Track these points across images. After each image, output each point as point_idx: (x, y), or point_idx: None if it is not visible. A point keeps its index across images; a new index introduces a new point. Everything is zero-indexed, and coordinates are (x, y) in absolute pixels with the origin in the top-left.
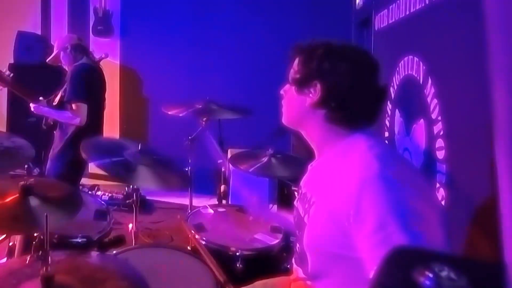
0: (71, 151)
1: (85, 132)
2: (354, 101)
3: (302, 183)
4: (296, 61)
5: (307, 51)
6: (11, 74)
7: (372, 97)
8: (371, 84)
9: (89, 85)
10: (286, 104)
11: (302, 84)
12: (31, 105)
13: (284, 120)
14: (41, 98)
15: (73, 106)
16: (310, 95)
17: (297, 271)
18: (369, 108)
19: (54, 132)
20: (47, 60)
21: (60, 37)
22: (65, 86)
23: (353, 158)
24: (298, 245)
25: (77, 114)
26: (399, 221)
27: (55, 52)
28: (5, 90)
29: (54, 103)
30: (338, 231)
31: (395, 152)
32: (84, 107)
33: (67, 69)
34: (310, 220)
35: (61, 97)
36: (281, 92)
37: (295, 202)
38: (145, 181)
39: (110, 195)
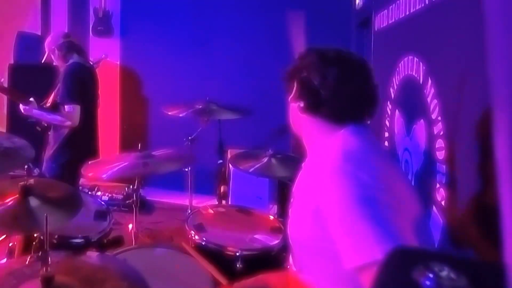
0: (66, 152)
1: (79, 132)
2: (322, 90)
3: (296, 181)
4: None
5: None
6: (2, 79)
7: (344, 89)
8: (349, 79)
9: (81, 85)
10: (289, 113)
11: (288, 86)
12: (21, 106)
13: (292, 128)
14: (31, 99)
15: (66, 107)
16: (291, 94)
17: (291, 263)
18: (345, 99)
19: (49, 133)
20: (42, 61)
21: (48, 37)
22: (57, 87)
23: (328, 154)
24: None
25: (70, 116)
26: (361, 209)
27: (46, 53)
28: None
29: (47, 104)
30: (311, 224)
31: (373, 148)
32: (77, 109)
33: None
34: (291, 213)
35: (54, 98)
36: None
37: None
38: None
39: (110, 195)
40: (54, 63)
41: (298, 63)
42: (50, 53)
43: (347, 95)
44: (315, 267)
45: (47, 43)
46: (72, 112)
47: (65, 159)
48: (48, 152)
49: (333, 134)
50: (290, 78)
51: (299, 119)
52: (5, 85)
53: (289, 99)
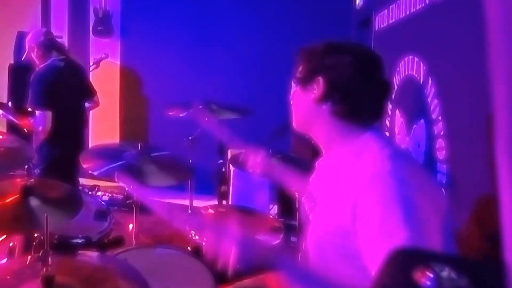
0: (46, 155)
1: (57, 135)
2: (357, 93)
3: (310, 180)
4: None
5: (308, 50)
6: None
7: (375, 90)
8: (374, 77)
9: (52, 88)
10: (294, 107)
11: (306, 81)
12: (0, 111)
13: (295, 125)
14: (9, 103)
15: (36, 113)
16: (314, 91)
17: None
18: (374, 101)
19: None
20: (22, 59)
21: (29, 35)
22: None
23: (364, 159)
24: (303, 243)
25: (39, 123)
26: (405, 219)
27: (26, 51)
28: (5, 90)
29: (29, 109)
30: (343, 234)
31: (406, 154)
32: (47, 115)
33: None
34: (314, 219)
35: None
36: (290, 98)
37: (303, 198)
38: (149, 179)
39: (110, 195)
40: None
41: (324, 59)
42: (30, 50)
43: (380, 97)
44: (332, 268)
45: (28, 40)
46: (41, 118)
47: (46, 163)
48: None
49: (359, 136)
50: (312, 75)
51: (318, 120)
52: None
53: (303, 96)
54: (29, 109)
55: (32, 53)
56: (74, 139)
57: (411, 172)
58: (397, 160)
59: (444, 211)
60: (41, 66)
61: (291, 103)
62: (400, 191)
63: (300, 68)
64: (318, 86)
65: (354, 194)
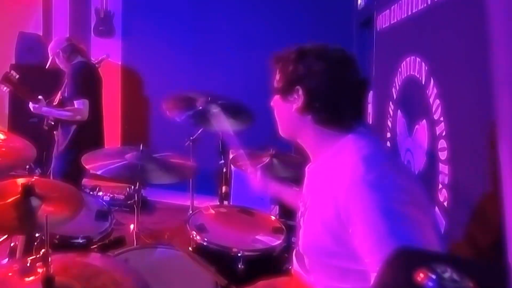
0: (76, 148)
1: (87, 128)
2: (336, 98)
3: (304, 186)
4: (276, 71)
5: (282, 58)
6: (17, 76)
7: (353, 92)
8: (350, 78)
9: (88, 81)
10: (277, 116)
11: (285, 91)
12: (31, 105)
13: (281, 132)
14: (40, 97)
15: (76, 103)
16: (295, 101)
17: (295, 264)
18: (353, 103)
19: (55, 132)
20: (46, 67)
21: (51, 43)
22: (64, 86)
23: (342, 162)
24: (297, 246)
25: (80, 111)
26: (387, 224)
27: (50, 58)
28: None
29: (54, 103)
30: (333, 242)
31: (386, 153)
32: (86, 103)
33: (65, 70)
34: (304, 224)
35: (61, 97)
36: (271, 104)
37: (299, 202)
38: (151, 178)
39: (111, 195)
40: (58, 67)
41: (299, 67)
42: (55, 56)
43: (357, 99)
44: (329, 278)
45: (51, 47)
46: (82, 107)
47: (75, 156)
48: (58, 149)
49: (341, 139)
50: (290, 85)
51: (304, 129)
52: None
53: (285, 106)
54: (55, 103)
55: (57, 59)
56: (100, 134)
57: (385, 174)
58: (370, 162)
59: (426, 204)
60: (75, 62)
61: (274, 111)
62: (376, 200)
63: (278, 77)
64: (299, 96)
65: (335, 198)
